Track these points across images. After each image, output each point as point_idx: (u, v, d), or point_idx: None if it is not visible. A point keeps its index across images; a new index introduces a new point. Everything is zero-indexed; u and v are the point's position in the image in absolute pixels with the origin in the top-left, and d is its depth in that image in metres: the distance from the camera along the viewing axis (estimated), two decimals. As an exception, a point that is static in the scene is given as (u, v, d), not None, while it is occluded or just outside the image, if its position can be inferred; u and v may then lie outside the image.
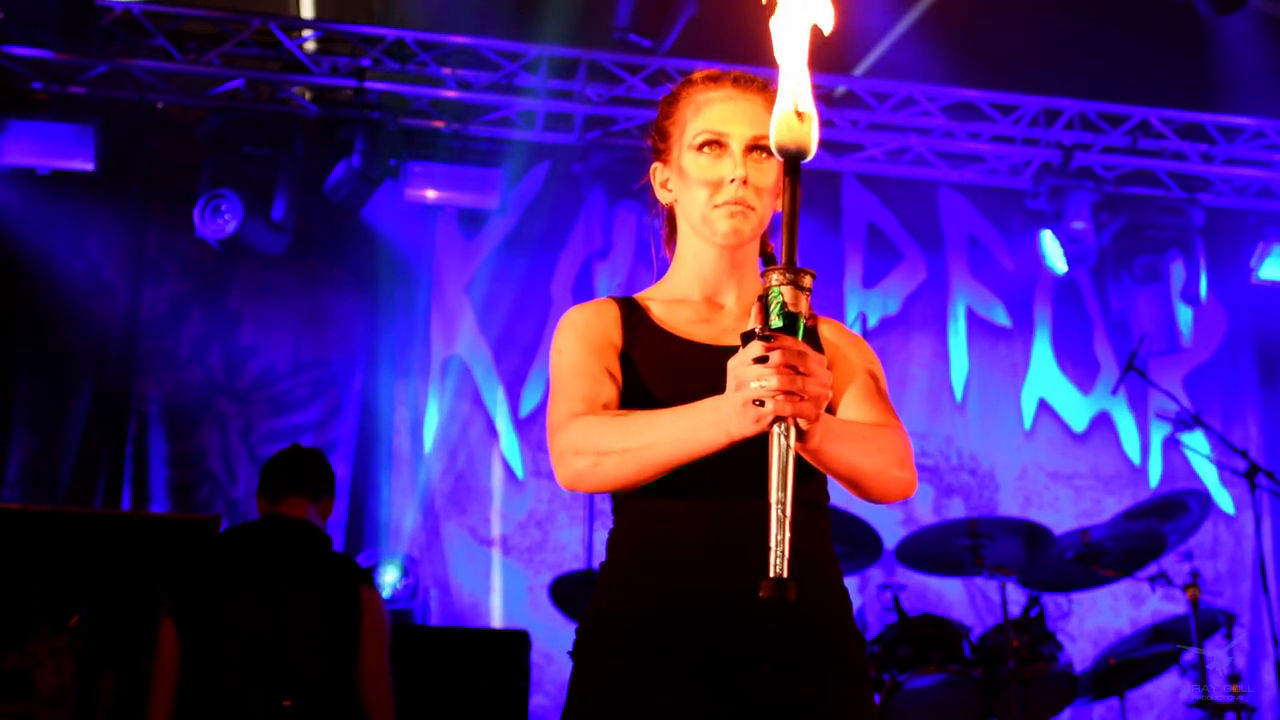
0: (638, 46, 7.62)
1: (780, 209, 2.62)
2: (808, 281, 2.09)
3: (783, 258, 2.08)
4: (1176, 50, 8.99)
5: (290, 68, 8.51)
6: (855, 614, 2.72)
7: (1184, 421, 7.54)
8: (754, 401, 2.11)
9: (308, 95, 8.64)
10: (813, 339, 2.61)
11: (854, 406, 2.64)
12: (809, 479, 2.52)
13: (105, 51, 8.29)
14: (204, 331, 8.58)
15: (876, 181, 9.46)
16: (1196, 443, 8.66)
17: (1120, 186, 9.17)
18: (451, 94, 8.69)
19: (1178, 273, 8.97)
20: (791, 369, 2.08)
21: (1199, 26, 8.41)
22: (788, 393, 2.08)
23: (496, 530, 8.57)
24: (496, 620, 8.42)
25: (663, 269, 2.89)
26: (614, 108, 8.73)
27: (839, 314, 9.08)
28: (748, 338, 2.14)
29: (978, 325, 9.40)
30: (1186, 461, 9.21)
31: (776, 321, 2.09)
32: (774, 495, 2.03)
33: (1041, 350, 9.43)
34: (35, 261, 8.42)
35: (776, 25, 2.11)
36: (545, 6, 8.77)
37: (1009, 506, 8.96)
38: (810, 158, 2.11)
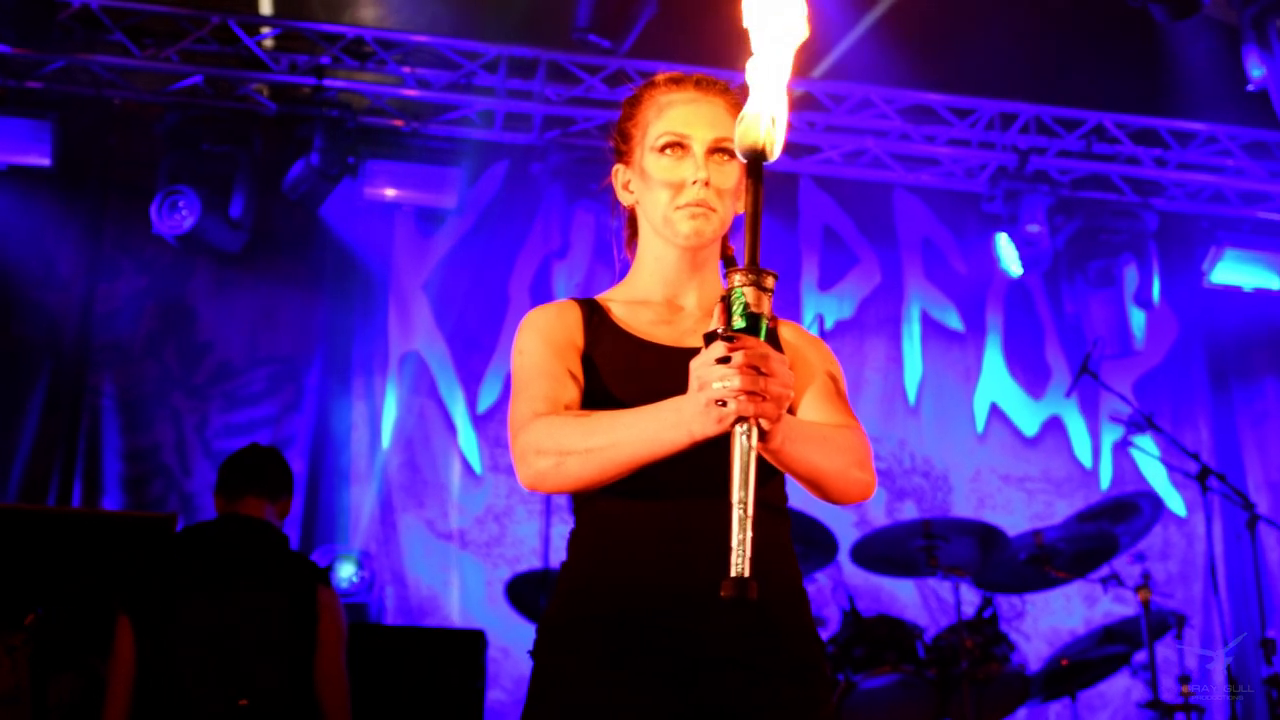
0: (597, 47, 7.63)
1: (741, 211, 2.64)
2: (770, 283, 2.11)
3: (745, 259, 2.10)
4: (1131, 55, 9.06)
5: (249, 65, 8.49)
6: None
7: (1136, 424, 7.61)
8: (716, 402, 2.12)
9: (266, 92, 8.63)
10: (773, 340, 2.63)
11: (814, 408, 2.66)
12: (769, 479, 2.54)
13: (63, 47, 8.26)
14: (160, 326, 8.54)
15: (833, 183, 9.50)
16: (1148, 445, 8.73)
17: (1075, 190, 9.24)
18: (410, 92, 8.70)
19: (1131, 276, 9.04)
20: (754, 369, 2.09)
21: (1153, 32, 8.48)
22: (750, 393, 2.10)
23: (455, 524, 8.58)
24: (454, 614, 8.42)
25: (624, 270, 2.90)
26: (573, 108, 8.74)
27: (795, 316, 9.11)
28: (710, 338, 2.15)
29: (932, 329, 9.46)
30: (1136, 465, 9.29)
31: (739, 322, 2.11)
32: (735, 495, 2.04)
33: (993, 355, 9.49)
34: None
35: (750, 27, 2.13)
36: (505, 6, 8.78)
37: (962, 509, 9.01)
38: (773, 159, 2.12)
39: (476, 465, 8.70)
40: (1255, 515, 6.84)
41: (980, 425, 9.34)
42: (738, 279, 2.10)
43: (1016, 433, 9.36)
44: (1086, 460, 9.36)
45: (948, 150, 9.19)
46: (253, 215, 8.30)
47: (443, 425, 8.74)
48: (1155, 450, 8.70)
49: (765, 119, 2.10)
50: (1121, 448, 9.18)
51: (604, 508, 2.59)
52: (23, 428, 8.22)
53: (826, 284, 9.44)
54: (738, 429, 2.10)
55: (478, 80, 8.72)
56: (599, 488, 2.48)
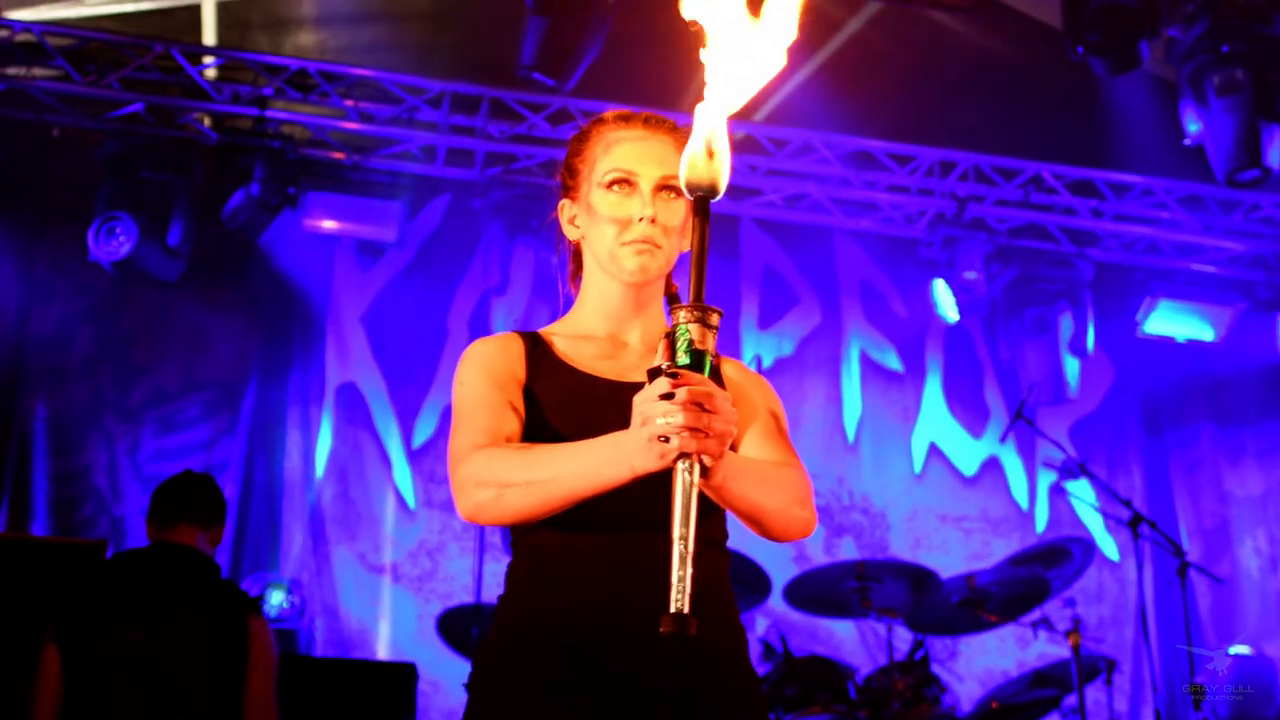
0: (541, 85, 7.65)
1: (686, 249, 2.66)
2: (715, 320, 2.12)
3: (690, 295, 2.10)
4: (1070, 108, 9.17)
5: (191, 94, 8.46)
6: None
7: (1070, 470, 7.68)
8: (659, 437, 2.12)
9: (208, 122, 8.59)
10: (716, 377, 2.64)
11: (755, 445, 2.67)
12: (710, 515, 2.54)
13: (3, 71, 8.19)
14: (94, 350, 8.48)
15: (774, 226, 9.56)
16: (1082, 491, 8.80)
17: (1012, 239, 9.31)
18: (353, 125, 8.69)
19: (1066, 324, 9.12)
20: (697, 406, 2.10)
21: (1093, 85, 8.59)
22: (693, 429, 2.10)
23: (387, 558, 8.53)
24: (383, 648, 8.37)
25: (568, 304, 2.91)
26: (515, 145, 8.76)
27: (735, 354, 9.13)
28: (654, 374, 2.16)
29: (871, 369, 9.52)
30: (1072, 507, 9.36)
31: (683, 358, 2.11)
32: (676, 531, 2.04)
33: (933, 395, 9.56)
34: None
35: (704, 66, 2.15)
36: (449, 42, 8.80)
37: (899, 547, 9.05)
38: (719, 197, 2.14)
39: (410, 500, 8.66)
40: (1186, 562, 6.90)
41: (918, 465, 9.39)
42: (682, 315, 2.11)
43: (955, 472, 9.42)
44: (1024, 501, 9.43)
45: (887, 196, 9.26)
46: (191, 244, 8.24)
47: (378, 458, 8.70)
48: (1090, 495, 8.77)
49: (712, 157, 2.11)
50: (1058, 491, 9.25)
51: (543, 541, 2.58)
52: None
53: (766, 323, 9.49)
54: (680, 465, 2.10)
55: (420, 115, 8.72)
56: (538, 521, 2.47)
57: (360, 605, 8.42)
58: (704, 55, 2.17)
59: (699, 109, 2.15)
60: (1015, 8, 8.53)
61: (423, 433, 8.77)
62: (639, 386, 2.20)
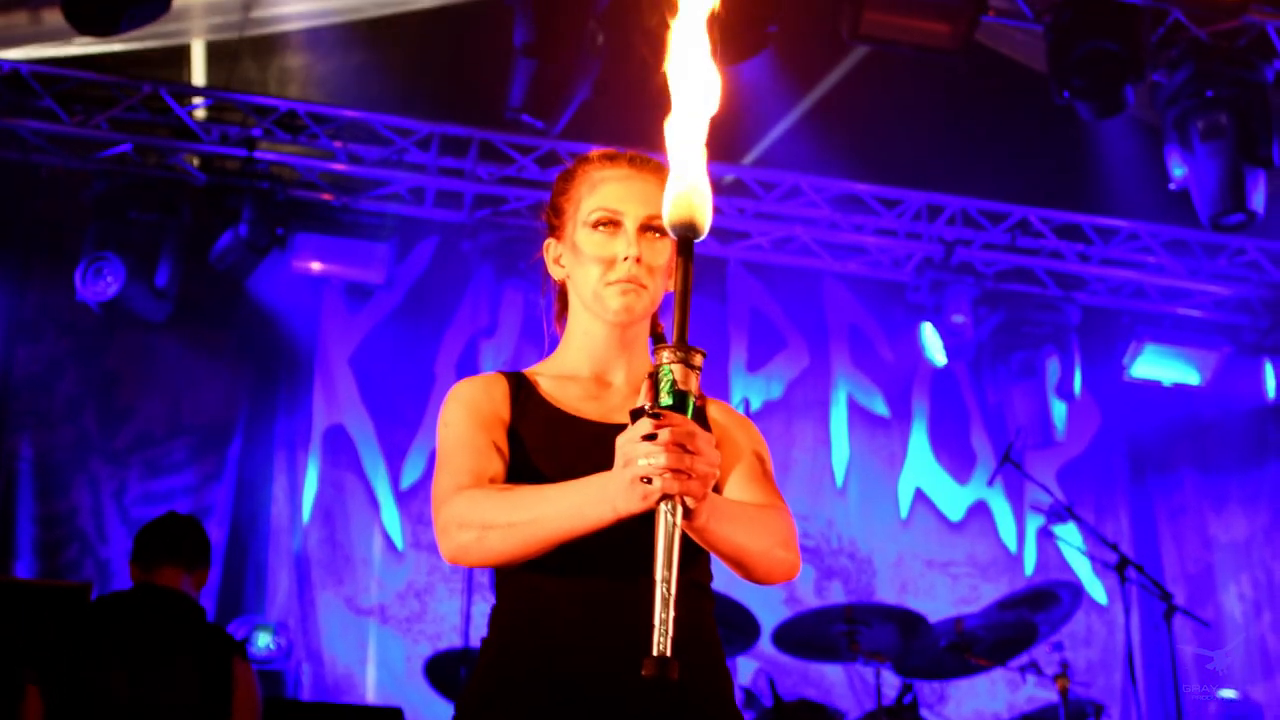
0: (530, 127, 7.67)
1: (671, 289, 2.65)
2: (698, 360, 2.11)
3: (674, 336, 2.09)
4: (1056, 152, 9.21)
5: (180, 134, 8.47)
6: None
7: (1057, 514, 7.67)
8: (642, 479, 2.11)
9: (196, 162, 8.59)
10: (700, 419, 2.63)
11: (740, 487, 2.66)
12: (694, 558, 2.53)
13: (-9, 111, 8.20)
14: (80, 392, 8.47)
15: (762, 269, 9.58)
16: (1069, 535, 8.80)
17: (999, 283, 9.34)
18: (341, 167, 8.69)
19: (1053, 368, 9.14)
20: (680, 447, 2.09)
21: (1079, 130, 8.63)
22: (676, 470, 2.09)
23: (374, 599, 8.51)
24: (371, 691, 8.33)
25: (553, 345, 2.90)
26: (504, 187, 8.77)
27: (724, 397, 9.08)
28: (637, 415, 2.15)
29: (858, 414, 9.53)
30: (1060, 550, 9.36)
31: (666, 399, 2.10)
32: (659, 573, 2.02)
33: (919, 440, 9.56)
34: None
35: (675, 107, 2.14)
36: (438, 83, 8.82)
37: (886, 593, 9.04)
38: (702, 238, 2.13)
39: (399, 541, 8.64)
40: (1173, 606, 6.89)
41: (904, 510, 9.38)
42: (666, 356, 2.10)
43: (941, 517, 9.42)
44: (1012, 545, 9.43)
45: (875, 239, 9.29)
46: (178, 285, 8.24)
47: (365, 500, 8.69)
48: (1077, 539, 8.77)
49: (696, 197, 2.11)
50: (1046, 534, 9.25)
51: (526, 583, 2.56)
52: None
53: (755, 366, 9.50)
54: (663, 506, 2.09)
55: (409, 157, 8.73)
56: (522, 563, 2.46)
57: (347, 649, 8.39)
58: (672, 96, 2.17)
59: (678, 147, 2.14)
60: (1001, 52, 8.57)
61: (411, 474, 8.76)
62: (623, 427, 2.19)
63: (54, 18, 7.54)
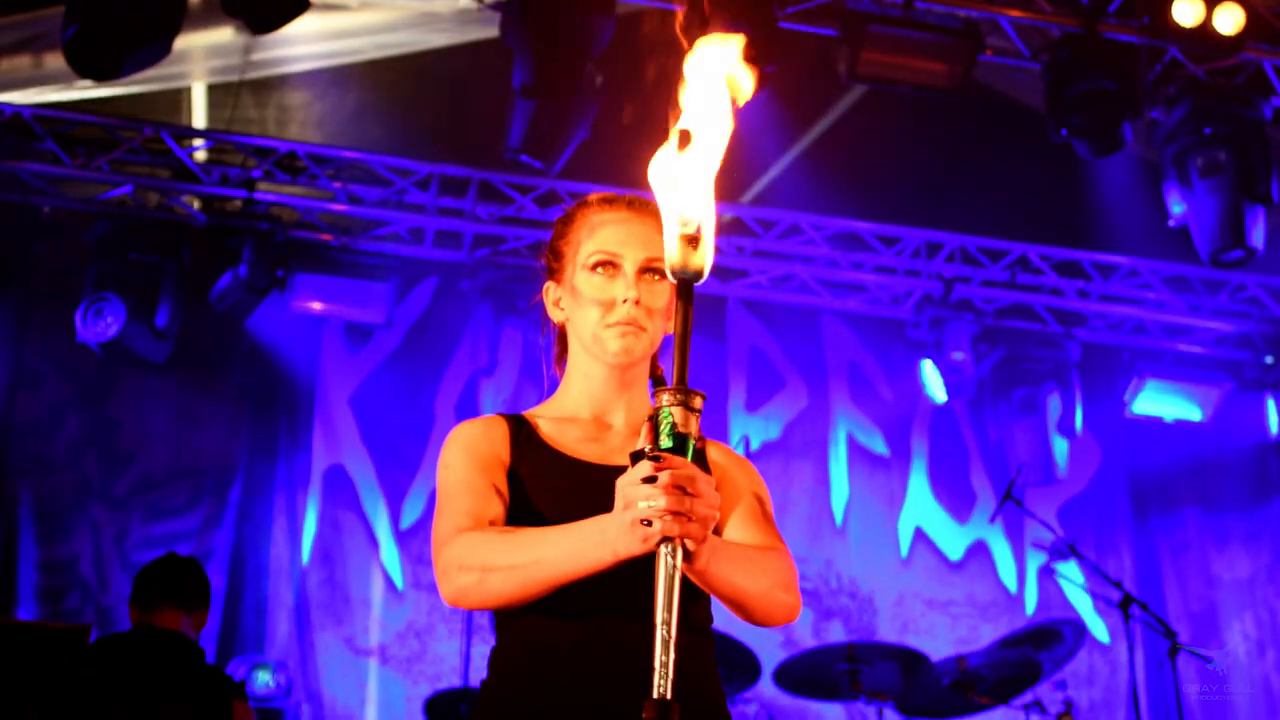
0: (529, 167, 7.68)
1: (671, 330, 2.65)
2: (698, 403, 2.10)
3: (674, 379, 2.09)
4: (1056, 189, 9.23)
5: (180, 176, 8.49)
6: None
7: (1059, 551, 7.66)
8: (642, 521, 2.10)
9: (196, 204, 8.61)
10: (700, 461, 2.62)
11: (740, 529, 2.65)
12: (695, 600, 2.52)
13: (-8, 154, 8.23)
14: (81, 437, 8.46)
15: (761, 307, 9.58)
16: (1071, 572, 8.78)
17: (999, 319, 9.34)
18: (341, 207, 8.71)
19: (1054, 405, 9.13)
20: (680, 489, 2.08)
21: (1078, 167, 8.65)
22: (675, 513, 2.08)
23: (375, 640, 8.48)
24: (371, 730, 8.31)
25: (553, 387, 2.90)
26: (504, 226, 8.79)
27: (723, 436, 9.13)
28: (637, 457, 2.14)
29: (857, 453, 9.52)
30: (1061, 590, 9.33)
31: (666, 442, 2.10)
32: (659, 616, 2.01)
33: (918, 479, 9.55)
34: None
35: (678, 148, 2.14)
36: (436, 124, 8.84)
37: (886, 632, 9.01)
38: (703, 281, 2.13)
39: (399, 581, 8.62)
40: (1177, 644, 6.87)
41: (904, 549, 9.36)
42: (665, 398, 2.09)
43: (941, 557, 9.40)
44: (1012, 585, 9.40)
45: (874, 277, 9.30)
46: (178, 325, 8.25)
47: (365, 540, 8.67)
48: (1079, 577, 8.74)
49: (696, 240, 2.11)
50: (1047, 572, 9.22)
51: (526, 625, 2.56)
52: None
53: (754, 405, 9.49)
54: (662, 549, 2.08)
55: (409, 197, 8.75)
56: (522, 605, 2.45)
57: (346, 689, 8.36)
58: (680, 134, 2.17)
59: (681, 189, 2.14)
60: (999, 90, 8.60)
61: (411, 514, 8.74)
62: (623, 469, 2.18)
63: (56, 61, 7.57)
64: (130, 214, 8.38)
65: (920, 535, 9.43)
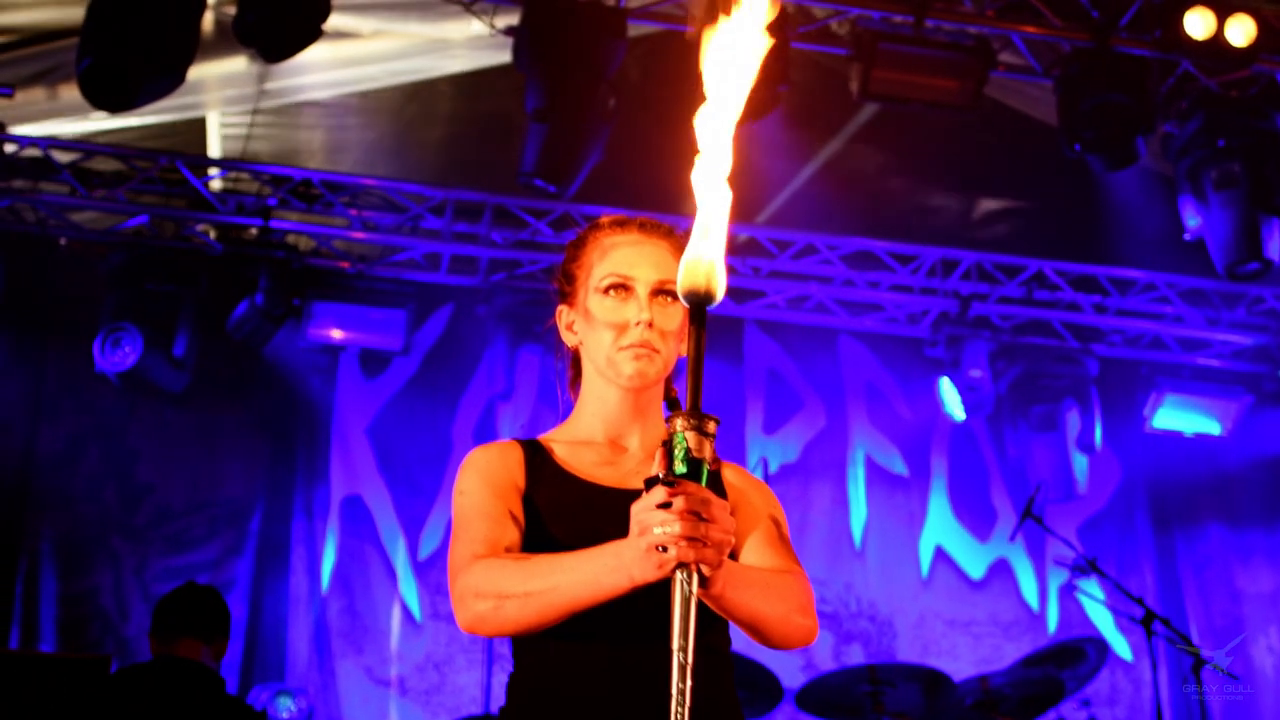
0: (543, 191, 7.69)
1: (685, 353, 2.64)
2: (712, 427, 2.10)
3: (687, 403, 2.08)
4: (1070, 204, 9.21)
5: (196, 205, 8.51)
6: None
7: (1081, 568, 7.62)
8: (657, 547, 2.10)
9: (213, 233, 8.63)
10: (716, 484, 2.62)
11: (756, 552, 2.64)
12: (712, 625, 2.51)
13: (9, 185, 8.25)
14: (101, 469, 8.47)
15: (778, 328, 9.57)
16: (1093, 590, 8.74)
17: (1016, 336, 9.32)
18: (357, 235, 8.72)
19: (1073, 421, 9.10)
20: (695, 515, 2.08)
21: (1092, 181, 8.64)
22: (690, 539, 2.07)
23: (394, 671, 8.47)
24: (391, 765, 8.29)
25: (567, 411, 2.89)
26: (519, 251, 8.79)
27: (740, 459, 9.12)
28: (651, 483, 2.14)
29: (876, 473, 9.49)
30: (1083, 608, 9.29)
31: (680, 467, 2.09)
32: (676, 642, 2.01)
33: (938, 499, 9.52)
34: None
35: (696, 174, 2.14)
36: (451, 150, 8.86)
37: (907, 653, 8.97)
38: (716, 304, 2.12)
39: (417, 612, 8.61)
40: (1201, 659, 6.81)
41: (925, 569, 9.33)
42: (679, 424, 2.09)
43: (962, 576, 9.36)
44: (1034, 603, 9.36)
45: (890, 296, 9.28)
46: (196, 355, 8.26)
47: (383, 571, 8.66)
48: (1100, 594, 8.70)
49: (709, 265, 2.10)
50: (1069, 590, 9.17)
51: (545, 651, 2.55)
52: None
53: (771, 427, 9.47)
54: (678, 575, 2.08)
55: (424, 223, 8.76)
56: (539, 631, 2.44)
57: (368, 717, 8.35)
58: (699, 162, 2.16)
59: (697, 213, 2.14)
60: (1012, 106, 8.59)
61: (429, 544, 8.74)
62: (639, 492, 2.18)
63: (71, 93, 7.60)
64: (146, 244, 8.40)
65: (941, 554, 9.40)
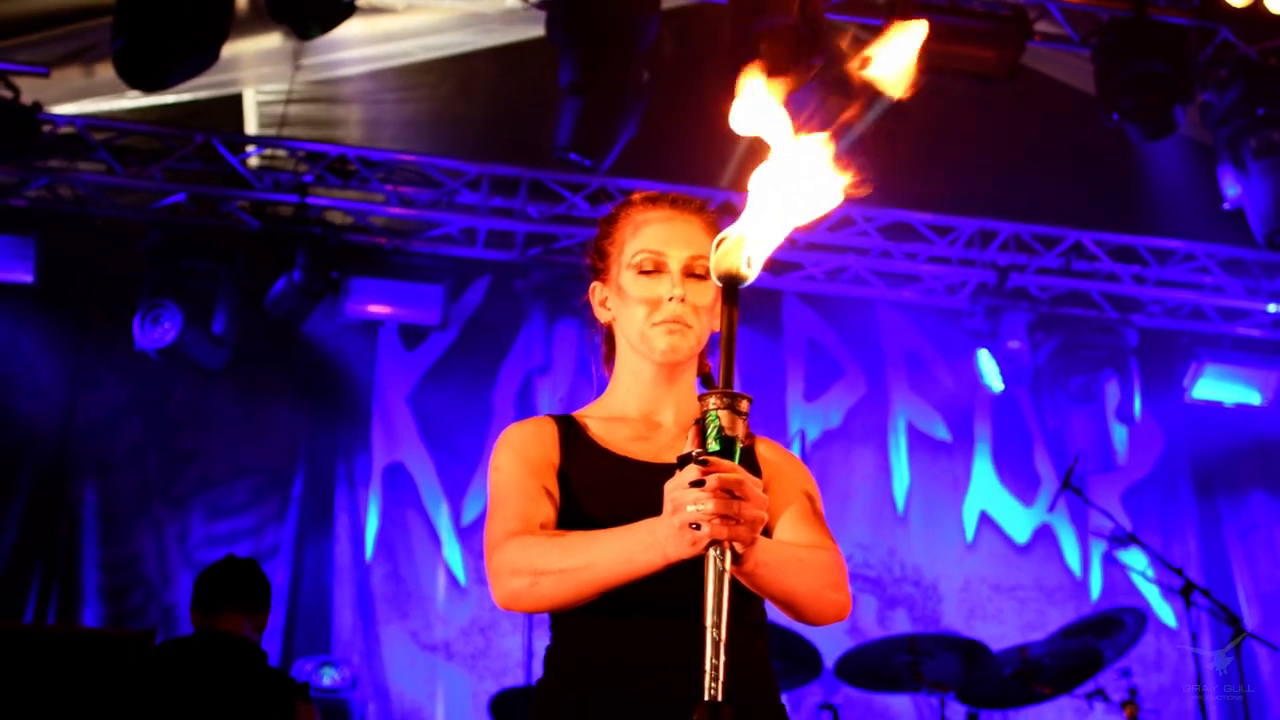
0: (578, 165, 7.69)
1: (718, 328, 2.65)
2: (744, 406, 2.10)
3: (720, 381, 2.08)
4: (1108, 174, 9.15)
5: (232, 182, 8.54)
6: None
7: (1120, 539, 7.59)
8: (690, 525, 2.10)
9: (249, 210, 8.66)
10: (750, 459, 2.62)
11: (790, 528, 2.64)
12: (747, 600, 2.52)
13: (46, 165, 8.29)
14: (141, 438, 8.54)
15: (816, 299, 9.55)
16: (1134, 560, 8.71)
17: (1055, 307, 9.28)
18: (394, 210, 8.74)
19: (1112, 392, 9.06)
20: (727, 493, 2.08)
21: (1130, 151, 8.58)
22: (723, 516, 2.08)
23: (439, 636, 8.52)
24: (439, 725, 8.36)
25: (602, 387, 2.90)
26: (555, 225, 8.80)
27: (781, 427, 9.13)
28: (684, 461, 2.14)
29: (918, 440, 9.47)
30: (1127, 573, 9.25)
31: (713, 445, 2.09)
32: (709, 619, 2.01)
33: (982, 464, 9.49)
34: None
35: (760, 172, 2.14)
36: (485, 125, 8.87)
37: (952, 619, 8.97)
38: (748, 283, 2.12)
39: (461, 577, 8.66)
40: (1241, 631, 6.79)
41: (970, 534, 9.31)
42: (712, 402, 2.08)
43: (1007, 541, 9.34)
44: (1077, 569, 9.34)
45: (929, 267, 9.24)
46: (235, 332, 8.29)
47: (427, 537, 8.71)
48: (1142, 563, 8.68)
49: (741, 243, 2.10)
50: (1111, 558, 9.14)
51: (580, 626, 2.57)
52: (1, 538, 8.17)
53: (812, 395, 9.47)
54: (712, 552, 2.08)
55: (460, 198, 8.77)
56: (575, 607, 2.46)
57: (413, 684, 8.42)
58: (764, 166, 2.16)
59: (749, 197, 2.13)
60: (1050, 75, 8.54)
61: (472, 510, 8.78)
62: (673, 467, 2.18)
63: (107, 71, 7.64)
64: (184, 222, 8.44)
65: (986, 519, 9.38)
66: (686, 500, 2.11)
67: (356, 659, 8.29)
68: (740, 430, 2.10)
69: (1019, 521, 9.44)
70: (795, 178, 2.12)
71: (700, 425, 2.12)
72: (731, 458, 2.10)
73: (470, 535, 8.74)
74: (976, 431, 9.61)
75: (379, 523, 8.70)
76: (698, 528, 2.10)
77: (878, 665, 7.23)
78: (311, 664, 7.97)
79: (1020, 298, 9.19)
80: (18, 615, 8.05)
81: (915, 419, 9.54)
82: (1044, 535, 9.43)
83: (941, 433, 9.56)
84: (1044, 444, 9.58)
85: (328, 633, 8.41)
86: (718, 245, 2.11)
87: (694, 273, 2.72)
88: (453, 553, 8.72)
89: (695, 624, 2.04)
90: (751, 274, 2.11)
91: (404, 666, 8.45)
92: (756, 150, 2.16)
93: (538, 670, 6.95)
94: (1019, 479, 9.55)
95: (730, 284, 2.11)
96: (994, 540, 9.38)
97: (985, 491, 9.49)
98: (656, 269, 2.74)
